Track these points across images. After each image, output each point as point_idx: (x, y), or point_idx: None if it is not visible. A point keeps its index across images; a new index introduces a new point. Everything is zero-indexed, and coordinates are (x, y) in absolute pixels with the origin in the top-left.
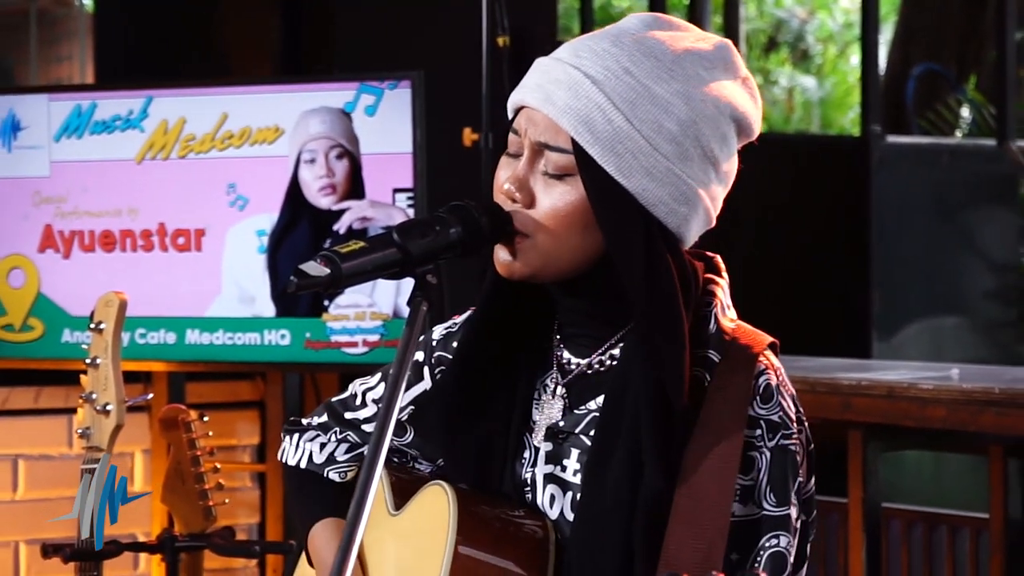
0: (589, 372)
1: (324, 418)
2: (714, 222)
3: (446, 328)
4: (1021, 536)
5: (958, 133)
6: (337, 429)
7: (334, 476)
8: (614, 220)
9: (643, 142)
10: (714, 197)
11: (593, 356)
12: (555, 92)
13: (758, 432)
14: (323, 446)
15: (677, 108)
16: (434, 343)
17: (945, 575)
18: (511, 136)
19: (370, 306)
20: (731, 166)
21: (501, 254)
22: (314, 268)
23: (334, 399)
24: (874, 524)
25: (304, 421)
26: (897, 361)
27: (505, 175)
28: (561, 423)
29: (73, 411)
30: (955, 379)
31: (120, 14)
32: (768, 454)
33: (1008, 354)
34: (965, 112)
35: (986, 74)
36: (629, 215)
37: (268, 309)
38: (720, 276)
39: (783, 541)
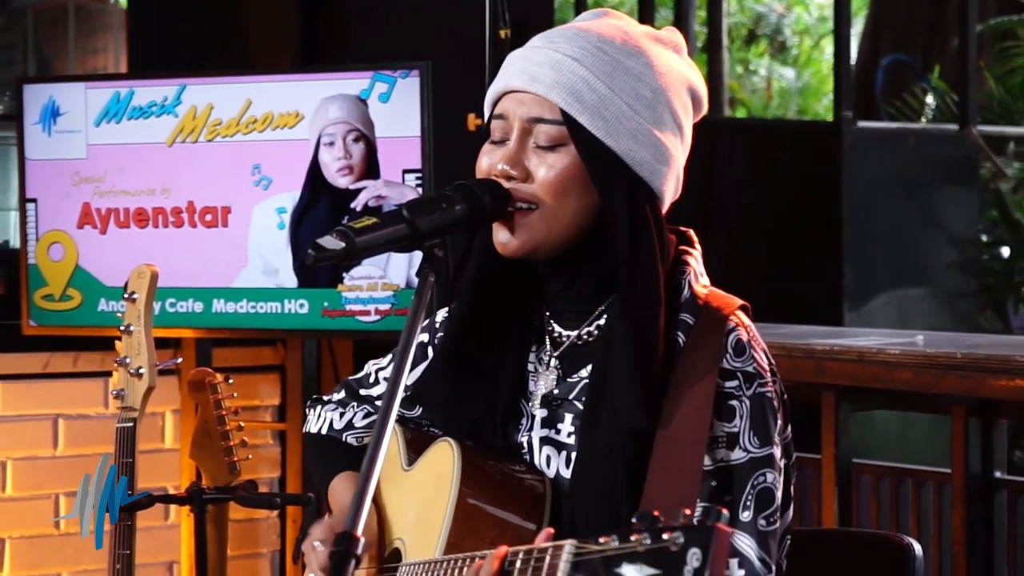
0: (579, 343)
1: (342, 395)
2: (680, 191)
3: (448, 311)
4: (980, 489)
5: (923, 119)
6: (354, 404)
7: (351, 440)
8: (605, 178)
9: (625, 107)
10: (681, 162)
11: (582, 328)
12: (540, 72)
13: (735, 383)
14: (342, 415)
15: (648, 78)
16: (437, 325)
17: (910, 525)
18: (495, 123)
19: (382, 278)
20: (690, 135)
21: (501, 234)
22: (330, 242)
23: (351, 378)
24: (845, 478)
25: (325, 398)
26: (867, 329)
27: (492, 160)
28: (556, 391)
29: (109, 374)
30: (920, 345)
31: (151, 9)
32: (747, 402)
33: (968, 322)
34: (930, 99)
35: (949, 64)
36: (617, 174)
37: (290, 280)
38: (693, 248)
39: (770, 477)
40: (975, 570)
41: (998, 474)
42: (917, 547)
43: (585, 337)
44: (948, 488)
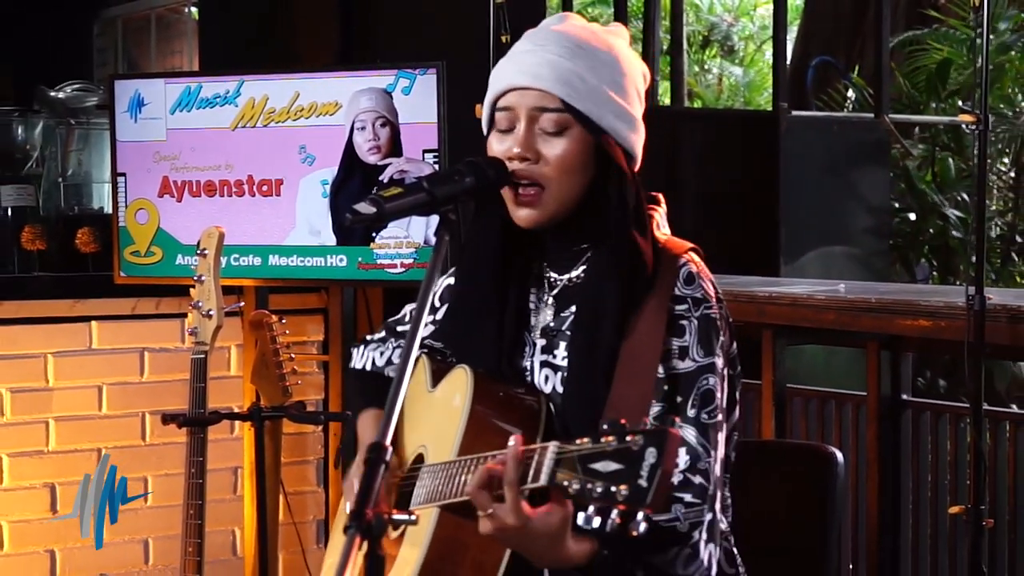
0: (569, 285)
1: (383, 334)
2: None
3: (462, 264)
4: (890, 409)
5: (845, 109)
6: (392, 340)
7: (391, 373)
8: (604, 151)
9: (609, 93)
10: (643, 127)
11: (571, 272)
12: (539, 71)
13: (685, 307)
14: (382, 353)
15: (619, 66)
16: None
17: (833, 438)
18: (500, 115)
19: (406, 237)
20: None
21: (521, 212)
22: (364, 208)
23: (390, 319)
24: (781, 400)
25: (368, 338)
26: (799, 279)
27: (504, 145)
28: (552, 324)
29: (185, 315)
30: (842, 292)
31: (218, 19)
32: (695, 321)
33: (881, 274)
34: (850, 93)
35: (866, 64)
36: (609, 147)
37: (330, 239)
38: (659, 205)
39: (711, 381)
40: (885, 473)
41: (904, 396)
42: (839, 455)
43: (575, 279)
44: (864, 408)
